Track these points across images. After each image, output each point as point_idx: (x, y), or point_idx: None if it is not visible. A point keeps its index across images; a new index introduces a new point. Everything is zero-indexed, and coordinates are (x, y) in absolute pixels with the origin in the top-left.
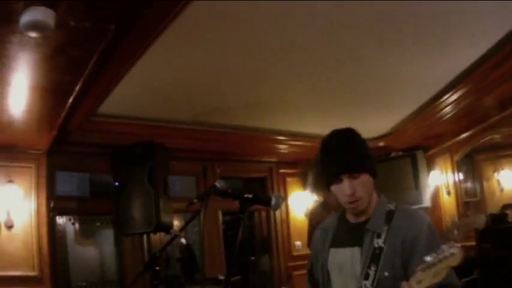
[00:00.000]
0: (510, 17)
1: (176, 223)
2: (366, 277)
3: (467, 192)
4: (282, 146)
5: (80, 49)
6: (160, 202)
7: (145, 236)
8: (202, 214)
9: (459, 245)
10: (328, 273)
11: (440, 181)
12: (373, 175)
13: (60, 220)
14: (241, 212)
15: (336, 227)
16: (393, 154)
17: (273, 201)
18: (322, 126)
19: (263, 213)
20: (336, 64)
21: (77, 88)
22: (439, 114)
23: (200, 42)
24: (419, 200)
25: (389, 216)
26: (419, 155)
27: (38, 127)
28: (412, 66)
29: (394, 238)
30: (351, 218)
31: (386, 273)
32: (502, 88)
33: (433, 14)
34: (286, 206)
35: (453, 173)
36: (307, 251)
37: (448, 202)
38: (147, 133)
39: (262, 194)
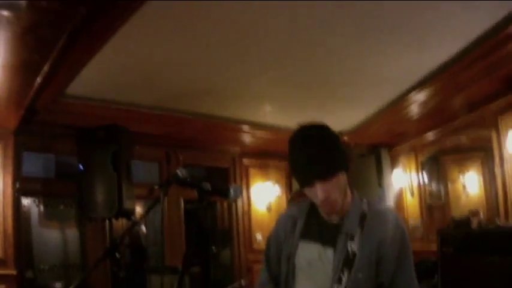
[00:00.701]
0: (482, 19)
1: (138, 209)
2: (339, 281)
3: (431, 195)
4: (246, 136)
5: (49, 29)
6: (123, 187)
7: (107, 221)
8: (162, 202)
9: None
10: (294, 266)
11: (404, 181)
12: (346, 170)
13: (25, 201)
14: (199, 201)
15: (306, 218)
16: (357, 150)
17: (231, 193)
18: (287, 118)
19: (225, 204)
20: (304, 56)
21: (45, 68)
22: (405, 112)
23: (165, 29)
24: (382, 199)
25: (363, 218)
26: (384, 152)
27: (6, 106)
28: (381, 62)
29: (368, 241)
30: (324, 215)
31: (361, 277)
32: (470, 90)
33: (406, 11)
34: (248, 198)
35: (417, 173)
36: None
37: (411, 204)
38: (112, 116)
39: (221, 184)
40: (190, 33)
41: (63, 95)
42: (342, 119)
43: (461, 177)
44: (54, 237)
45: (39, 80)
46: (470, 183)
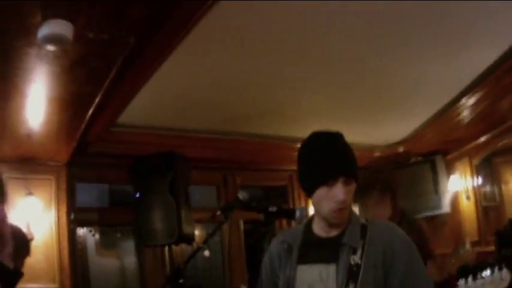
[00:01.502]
0: None
1: (197, 233)
2: None
3: (486, 197)
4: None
5: (98, 61)
6: (182, 213)
7: (167, 248)
8: (225, 226)
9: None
10: None
11: (459, 186)
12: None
13: (81, 231)
14: (265, 225)
15: (302, 241)
16: (413, 159)
17: (297, 214)
18: (343, 133)
19: (284, 222)
20: (356, 72)
21: (97, 100)
22: (457, 118)
23: (216, 53)
24: (438, 205)
25: (364, 230)
26: (439, 159)
27: (57, 139)
28: (429, 70)
29: (372, 253)
30: (321, 232)
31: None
32: None
33: (450, 17)
34: (307, 215)
35: (472, 177)
36: None
37: (468, 207)
38: (166, 143)
39: (285, 206)
40: (241, 57)
41: (115, 125)
42: (395, 130)
43: None
44: (112, 266)
45: (90, 112)
46: None
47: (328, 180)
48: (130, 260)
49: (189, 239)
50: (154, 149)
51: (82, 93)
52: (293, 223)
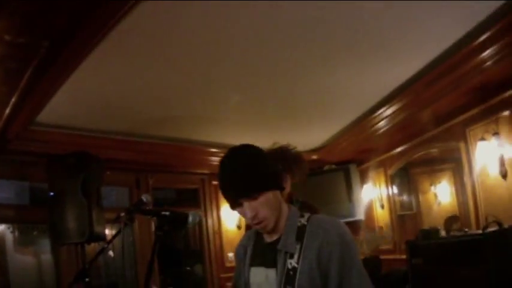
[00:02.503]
0: (446, 36)
1: (112, 233)
2: None
3: (403, 205)
4: (214, 158)
5: (15, 62)
6: (93, 213)
7: (79, 246)
8: (123, 228)
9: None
10: None
11: (373, 194)
12: (278, 188)
13: None
14: (158, 228)
15: (253, 244)
16: (326, 167)
17: (190, 219)
18: (256, 139)
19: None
20: (270, 79)
21: (13, 99)
22: (373, 128)
23: (132, 57)
24: (352, 213)
25: (301, 232)
26: (353, 168)
27: None
28: (346, 80)
29: (308, 256)
30: (265, 237)
31: None
32: (438, 104)
33: (370, 29)
34: (219, 218)
35: (387, 186)
36: None
37: (382, 215)
38: (83, 143)
39: (179, 212)
40: (157, 62)
41: (34, 124)
42: (310, 137)
43: (432, 187)
44: (30, 263)
45: (7, 111)
46: (441, 194)
47: (234, 205)
48: (47, 257)
49: (100, 238)
50: (71, 149)
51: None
52: (204, 224)
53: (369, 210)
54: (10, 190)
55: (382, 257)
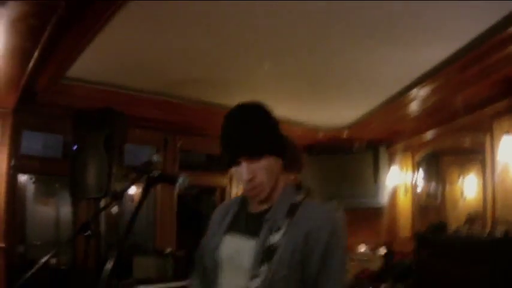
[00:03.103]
0: (481, 20)
1: (136, 191)
2: (256, 275)
3: (428, 195)
4: None
5: (36, 19)
6: (114, 169)
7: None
8: (159, 187)
9: None
10: (217, 263)
11: (399, 179)
12: (281, 157)
13: (22, 178)
14: (146, 187)
15: (236, 211)
16: (356, 146)
17: (180, 181)
18: (289, 110)
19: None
20: (306, 53)
21: (36, 54)
22: (403, 110)
23: (164, 17)
24: (376, 196)
25: (293, 209)
26: (382, 149)
27: (3, 87)
28: (382, 59)
29: (294, 234)
30: (251, 206)
31: (281, 273)
32: (467, 92)
33: (405, 11)
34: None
35: (412, 173)
36: None
37: (404, 202)
38: (111, 99)
39: (169, 173)
40: (190, 23)
41: (65, 78)
42: (341, 114)
43: (460, 179)
44: (49, 214)
45: (31, 64)
46: (469, 187)
47: (231, 162)
48: (66, 210)
49: (117, 195)
50: (99, 104)
51: (23, 47)
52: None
53: (393, 195)
54: (37, 142)
55: (397, 249)
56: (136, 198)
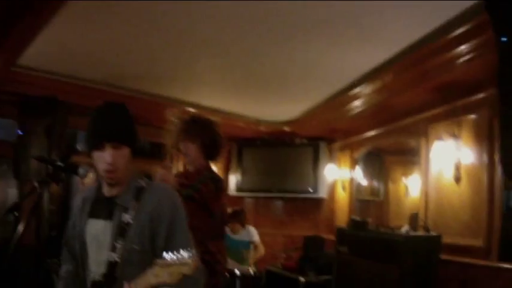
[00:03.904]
0: (420, 26)
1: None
2: (113, 249)
3: (371, 191)
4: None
5: None
6: (53, 155)
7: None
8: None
9: (197, 255)
10: (84, 243)
11: (337, 175)
12: (133, 151)
13: None
14: (52, 178)
15: (94, 197)
16: (297, 141)
17: (80, 171)
18: (231, 103)
19: None
20: (248, 49)
21: None
22: (344, 108)
23: (112, 12)
24: (316, 190)
25: (139, 192)
26: (322, 145)
27: None
28: (325, 57)
29: (142, 213)
30: (105, 191)
31: (134, 247)
32: (405, 95)
33: (347, 12)
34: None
35: (351, 169)
36: None
37: (342, 198)
38: (57, 88)
39: (71, 164)
40: (135, 17)
41: (15, 66)
42: (283, 109)
43: (403, 178)
44: None
45: None
46: (412, 186)
47: (97, 145)
48: (14, 191)
49: (56, 179)
50: (47, 92)
51: None
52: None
53: (332, 190)
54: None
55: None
56: (85, 182)
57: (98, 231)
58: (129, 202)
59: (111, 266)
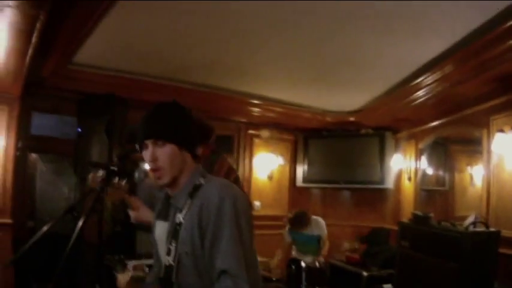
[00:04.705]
0: (489, 6)
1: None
2: (168, 253)
3: (437, 181)
4: (251, 108)
5: (32, 9)
6: (114, 152)
7: None
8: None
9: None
10: (154, 243)
11: (403, 165)
12: (188, 150)
13: (32, 157)
14: (106, 182)
15: (163, 199)
16: (363, 131)
17: (136, 175)
18: (297, 94)
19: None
20: (308, 35)
21: (30, 51)
22: (409, 98)
23: (168, 1)
24: (382, 180)
25: (195, 190)
26: (388, 135)
27: (8, 75)
28: (389, 47)
29: (192, 213)
30: (169, 191)
31: (186, 250)
32: (470, 84)
33: (409, 4)
34: (250, 166)
35: (416, 159)
36: (265, 212)
37: (408, 188)
38: (117, 84)
39: (129, 167)
40: (191, 8)
41: (71, 63)
42: (348, 99)
43: (469, 168)
44: (58, 192)
45: (27, 58)
46: (477, 176)
47: (140, 143)
48: (74, 188)
49: (110, 184)
50: (104, 88)
51: (17, 46)
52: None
53: (398, 180)
54: (46, 123)
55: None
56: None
57: (160, 234)
58: (181, 201)
59: (166, 270)
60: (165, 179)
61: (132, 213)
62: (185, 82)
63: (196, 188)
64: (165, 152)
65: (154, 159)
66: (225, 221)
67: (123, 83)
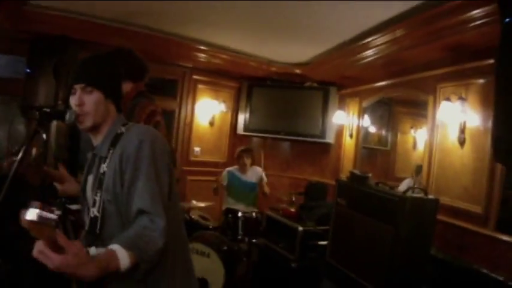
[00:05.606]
0: None
1: None
2: (94, 204)
3: (379, 140)
4: (198, 54)
5: None
6: (60, 93)
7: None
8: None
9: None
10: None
11: (346, 122)
12: (112, 99)
13: None
14: (39, 123)
15: (91, 154)
16: (307, 84)
17: (67, 116)
18: (242, 43)
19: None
20: None
21: None
22: (357, 56)
23: None
24: (323, 134)
25: (117, 138)
26: (333, 90)
27: None
28: (338, 5)
29: (113, 160)
30: (93, 141)
31: (108, 198)
32: (417, 50)
33: None
34: (192, 111)
35: (358, 117)
36: (205, 158)
37: (349, 144)
38: (70, 26)
39: (58, 109)
40: None
41: (27, 4)
42: (295, 52)
43: (412, 130)
44: (4, 132)
45: None
46: (420, 139)
47: (69, 87)
48: (21, 128)
49: (44, 127)
50: (60, 30)
51: None
52: (177, 114)
53: (339, 136)
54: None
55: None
56: None
57: (89, 187)
58: (104, 151)
59: (91, 221)
60: (87, 123)
61: (58, 186)
62: (137, 26)
63: (118, 137)
64: (92, 98)
65: (80, 104)
66: (143, 162)
67: (77, 26)
